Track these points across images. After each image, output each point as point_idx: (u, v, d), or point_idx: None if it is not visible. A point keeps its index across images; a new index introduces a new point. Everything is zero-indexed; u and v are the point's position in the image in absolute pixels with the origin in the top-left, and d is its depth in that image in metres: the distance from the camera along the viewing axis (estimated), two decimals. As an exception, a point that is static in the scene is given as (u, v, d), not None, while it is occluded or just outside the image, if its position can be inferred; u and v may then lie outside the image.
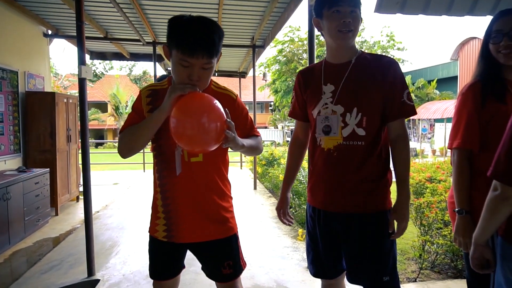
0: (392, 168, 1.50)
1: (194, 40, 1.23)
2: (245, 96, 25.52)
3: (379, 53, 1.48)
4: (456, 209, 1.52)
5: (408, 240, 4.17)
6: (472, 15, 2.84)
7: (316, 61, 2.39)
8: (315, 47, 2.62)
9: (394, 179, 1.52)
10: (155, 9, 4.83)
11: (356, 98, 1.41)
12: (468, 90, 1.50)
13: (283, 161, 7.43)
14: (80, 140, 2.80)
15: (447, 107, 16.99)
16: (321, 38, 1.96)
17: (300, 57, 21.08)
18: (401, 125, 1.44)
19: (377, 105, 1.41)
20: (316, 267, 1.62)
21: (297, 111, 1.65)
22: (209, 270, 1.57)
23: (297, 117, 1.67)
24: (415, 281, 3.07)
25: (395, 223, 1.46)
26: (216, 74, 9.72)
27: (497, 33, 1.44)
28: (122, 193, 6.72)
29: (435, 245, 3.23)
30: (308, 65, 1.77)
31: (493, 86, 1.45)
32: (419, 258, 3.30)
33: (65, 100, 5.27)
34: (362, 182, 1.43)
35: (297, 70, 20.15)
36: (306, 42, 21.47)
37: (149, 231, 1.56)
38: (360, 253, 1.45)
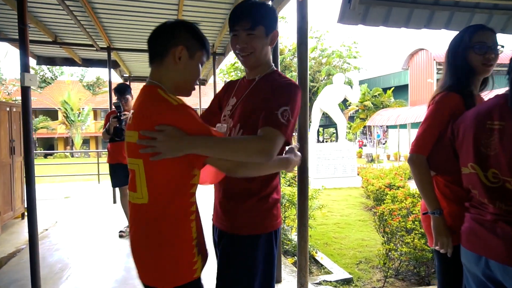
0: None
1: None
2: (205, 103, 25.23)
3: (287, 77, 1.42)
4: (431, 211, 1.51)
5: (372, 247, 4.23)
6: (428, 29, 2.94)
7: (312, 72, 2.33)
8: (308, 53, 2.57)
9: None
10: (109, 14, 4.57)
11: (241, 115, 1.39)
12: (446, 100, 1.50)
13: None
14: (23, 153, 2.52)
15: (399, 114, 17.86)
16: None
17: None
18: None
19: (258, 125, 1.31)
20: None
21: (205, 115, 1.62)
22: None
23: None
24: (381, 290, 3.08)
25: None
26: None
27: (481, 45, 1.48)
28: (74, 208, 6.26)
29: (398, 252, 3.27)
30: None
31: (468, 98, 1.48)
32: (383, 266, 3.33)
33: (7, 109, 4.81)
34: (227, 199, 1.40)
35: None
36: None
37: (182, 280, 1.23)
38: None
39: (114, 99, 4.05)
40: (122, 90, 4.01)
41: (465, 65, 1.52)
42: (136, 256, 1.27)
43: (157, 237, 1.21)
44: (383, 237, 3.56)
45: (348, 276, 3.31)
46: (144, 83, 1.33)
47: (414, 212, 3.63)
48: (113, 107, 3.95)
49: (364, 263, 3.77)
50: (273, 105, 1.26)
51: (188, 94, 1.33)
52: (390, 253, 3.32)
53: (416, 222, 3.34)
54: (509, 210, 1.18)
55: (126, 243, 3.99)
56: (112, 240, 4.18)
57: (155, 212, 1.20)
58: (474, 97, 1.51)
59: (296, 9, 2.46)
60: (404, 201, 4.04)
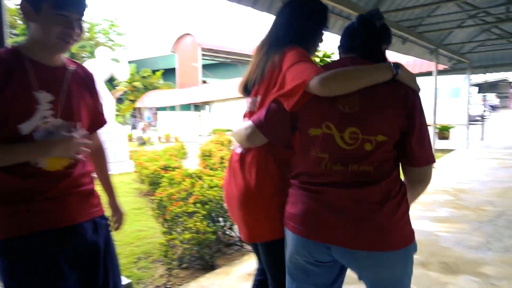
0: None
1: None
2: None
3: (72, 58, 1.39)
4: (394, 70, 1.08)
5: (151, 238, 3.81)
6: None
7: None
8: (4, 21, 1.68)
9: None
10: None
11: (80, 111, 1.30)
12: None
13: None
14: None
15: (168, 95, 18.15)
16: None
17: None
18: (98, 137, 1.52)
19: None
20: None
21: None
22: None
23: None
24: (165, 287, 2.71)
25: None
26: None
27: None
28: None
29: (181, 240, 2.98)
30: None
31: None
32: (165, 257, 2.96)
33: None
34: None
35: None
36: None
37: None
38: None
39: None
40: None
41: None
42: None
43: None
44: (163, 226, 3.19)
45: (126, 281, 2.75)
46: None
47: (194, 193, 3.42)
48: None
49: (144, 259, 3.30)
50: (99, 103, 1.42)
51: None
52: (171, 242, 2.99)
53: (197, 205, 3.13)
54: (360, 172, 1.11)
55: None
56: None
57: None
58: None
59: None
60: (183, 182, 3.79)
